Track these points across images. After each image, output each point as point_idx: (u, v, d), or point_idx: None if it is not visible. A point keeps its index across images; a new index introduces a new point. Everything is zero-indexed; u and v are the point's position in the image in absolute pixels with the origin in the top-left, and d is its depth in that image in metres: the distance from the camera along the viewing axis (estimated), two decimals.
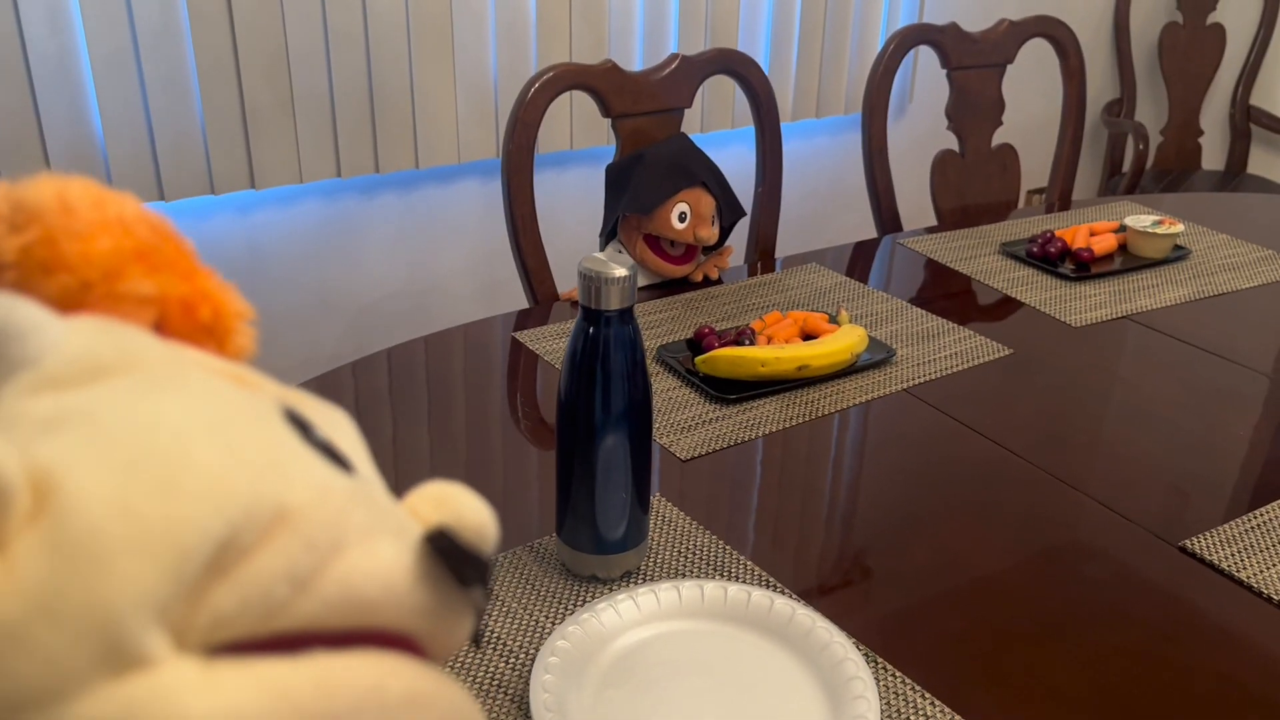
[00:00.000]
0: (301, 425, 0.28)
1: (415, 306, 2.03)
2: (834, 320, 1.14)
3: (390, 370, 1.05)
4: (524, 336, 1.11)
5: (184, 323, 0.30)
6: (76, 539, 0.21)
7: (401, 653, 0.29)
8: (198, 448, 0.24)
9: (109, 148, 1.62)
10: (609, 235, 1.24)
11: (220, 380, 0.28)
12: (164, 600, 0.22)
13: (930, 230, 1.47)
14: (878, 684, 0.66)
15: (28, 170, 1.55)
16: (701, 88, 1.35)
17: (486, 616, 0.32)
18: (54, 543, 0.21)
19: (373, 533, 0.27)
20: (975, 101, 1.60)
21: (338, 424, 0.32)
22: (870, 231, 1.59)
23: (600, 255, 0.68)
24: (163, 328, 0.30)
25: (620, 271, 0.67)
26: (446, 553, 0.28)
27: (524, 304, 1.28)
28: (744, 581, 0.74)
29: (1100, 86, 2.80)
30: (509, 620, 0.71)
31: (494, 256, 2.03)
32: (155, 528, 0.22)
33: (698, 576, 0.75)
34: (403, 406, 0.99)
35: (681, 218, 1.20)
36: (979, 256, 1.36)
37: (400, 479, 0.88)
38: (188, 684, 0.22)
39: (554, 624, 0.70)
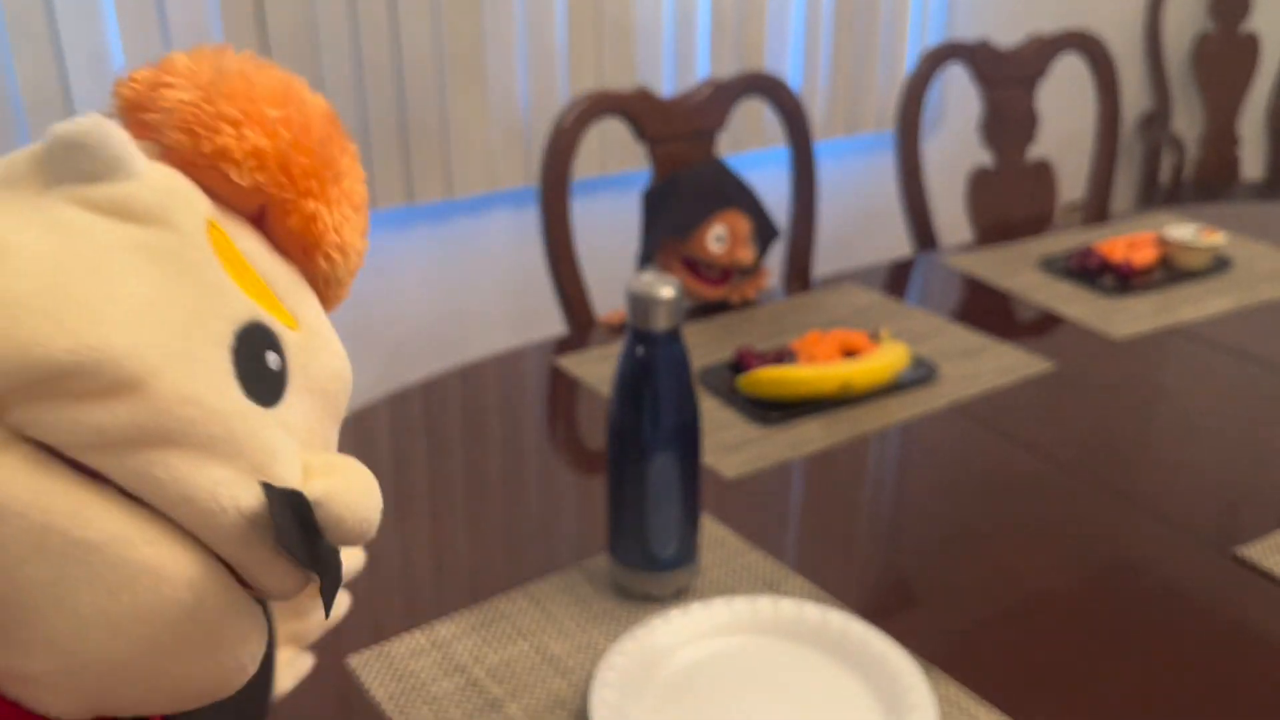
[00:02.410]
0: (261, 344, 0.30)
1: (450, 337, 2.05)
2: (874, 338, 1.14)
3: (426, 402, 1.07)
4: (565, 362, 1.13)
5: (278, 223, 0.33)
6: None
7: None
8: (111, 301, 0.27)
9: None
10: (646, 260, 1.25)
11: (209, 271, 0.30)
12: None
13: (967, 247, 1.47)
14: (934, 694, 0.66)
15: None
16: (733, 109, 1.37)
17: (326, 587, 0.32)
18: None
19: (216, 454, 0.28)
20: (1008, 117, 1.60)
21: (322, 362, 0.33)
22: (906, 249, 1.60)
23: (647, 276, 0.69)
24: (261, 220, 0.33)
25: (668, 292, 0.68)
26: (276, 510, 0.29)
27: (559, 331, 1.29)
28: (796, 598, 0.74)
29: (1134, 98, 2.79)
30: (564, 639, 0.71)
31: (528, 284, 2.05)
32: (19, 333, 0.26)
33: (749, 593, 0.75)
34: (438, 436, 1.00)
35: (718, 240, 1.21)
36: (1018, 272, 1.35)
37: (437, 507, 0.89)
38: None
39: (609, 641, 0.70)
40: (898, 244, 1.72)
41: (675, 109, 1.31)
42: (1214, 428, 1.00)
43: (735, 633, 0.70)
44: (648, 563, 0.74)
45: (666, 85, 2.06)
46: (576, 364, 1.12)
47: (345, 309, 0.38)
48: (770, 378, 1.02)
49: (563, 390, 1.10)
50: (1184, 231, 1.35)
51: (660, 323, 0.69)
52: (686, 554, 0.75)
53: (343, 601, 0.53)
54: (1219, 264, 1.36)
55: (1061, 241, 1.45)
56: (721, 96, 1.35)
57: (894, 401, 1.04)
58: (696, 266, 1.24)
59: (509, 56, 1.89)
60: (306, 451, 0.32)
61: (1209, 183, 2.74)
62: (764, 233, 1.26)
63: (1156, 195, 2.70)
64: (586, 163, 2.00)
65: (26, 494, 0.26)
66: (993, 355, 1.13)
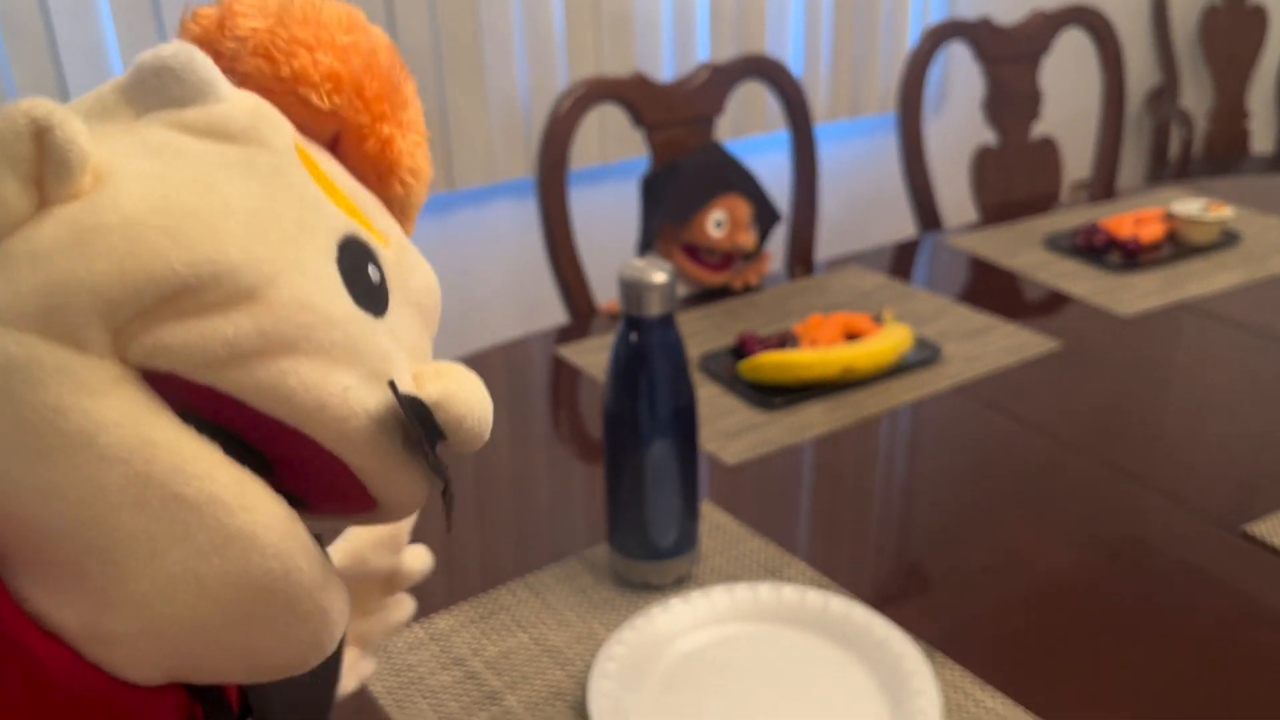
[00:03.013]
0: (362, 257, 0.30)
1: (454, 327, 2.05)
2: (878, 320, 1.13)
3: None
4: (566, 351, 1.12)
5: (354, 149, 0.34)
6: (87, 227, 0.26)
7: (334, 490, 0.30)
8: (223, 215, 0.27)
9: None
10: (646, 247, 1.24)
11: (307, 187, 0.30)
12: (112, 304, 0.26)
13: (972, 227, 1.45)
14: (937, 679, 0.65)
15: None
16: (733, 94, 1.35)
17: (447, 493, 0.32)
18: (75, 221, 0.26)
19: (339, 360, 0.28)
20: (1012, 95, 1.58)
21: (416, 278, 0.33)
22: (910, 231, 1.58)
23: (639, 262, 0.68)
24: (337, 146, 0.34)
25: (660, 277, 0.67)
26: (407, 412, 0.29)
27: (562, 320, 1.29)
28: (798, 584, 0.73)
29: (1142, 74, 2.76)
30: (564, 630, 0.71)
31: (530, 274, 2.04)
32: (140, 251, 0.26)
33: (751, 580, 0.75)
34: None
35: (718, 225, 1.20)
36: (1023, 251, 1.34)
37: (437, 500, 0.88)
38: (91, 379, 0.26)
39: (609, 631, 0.70)
40: (902, 227, 1.71)
41: (673, 94, 1.30)
42: (1224, 404, 0.99)
43: (736, 620, 0.70)
44: (647, 551, 0.73)
45: (667, 73, 2.05)
46: (577, 353, 1.11)
47: None
48: (772, 362, 1.01)
49: (564, 379, 1.09)
50: (1191, 206, 1.33)
51: (653, 308, 0.68)
52: (686, 541, 0.74)
53: (407, 605, 0.53)
54: (1227, 238, 1.34)
55: (1067, 219, 1.44)
56: (720, 80, 1.34)
57: (897, 384, 1.03)
58: (697, 252, 1.23)
59: (507, 47, 1.88)
60: (412, 362, 0.32)
61: (1218, 157, 2.71)
62: (765, 217, 1.25)
63: (1165, 171, 2.68)
64: (586, 152, 1.99)
65: (134, 439, 0.26)
66: (998, 335, 1.12)
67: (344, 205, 0.31)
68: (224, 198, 0.28)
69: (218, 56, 0.33)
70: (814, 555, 0.78)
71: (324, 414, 0.28)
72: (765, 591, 0.70)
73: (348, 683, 0.48)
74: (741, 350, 1.07)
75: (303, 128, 0.33)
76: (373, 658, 0.52)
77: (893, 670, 0.65)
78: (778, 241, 1.42)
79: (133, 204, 0.27)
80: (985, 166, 1.57)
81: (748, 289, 1.26)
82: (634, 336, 0.69)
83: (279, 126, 0.31)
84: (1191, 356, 1.09)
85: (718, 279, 1.25)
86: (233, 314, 0.27)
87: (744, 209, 1.22)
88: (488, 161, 1.92)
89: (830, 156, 2.31)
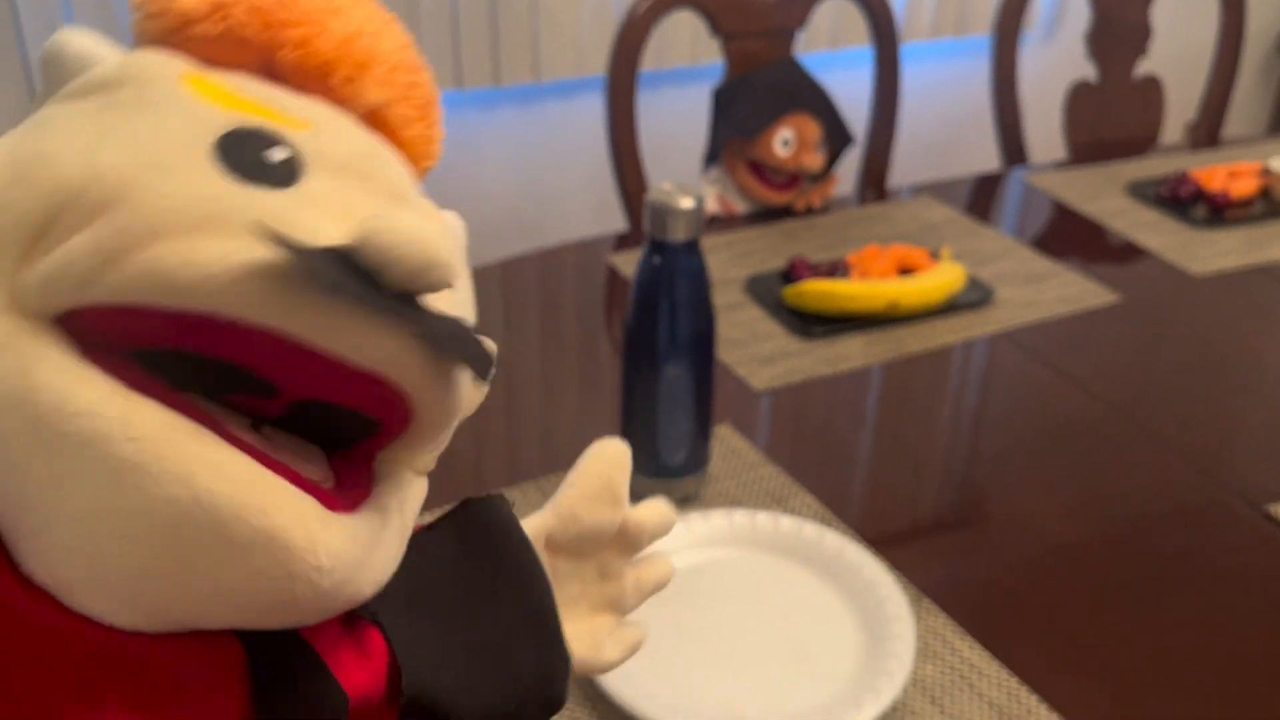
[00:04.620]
0: (254, 143, 0.29)
1: (529, 222, 2.06)
2: (935, 257, 1.10)
3: (503, 282, 1.08)
4: (618, 260, 1.12)
5: (281, 66, 0.32)
6: None
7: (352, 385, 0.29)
8: (62, 148, 0.28)
9: None
10: (711, 159, 1.23)
11: (175, 103, 0.30)
12: None
13: (1058, 165, 1.40)
14: (919, 625, 0.66)
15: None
16: (817, 7, 1.31)
17: (446, 345, 0.29)
18: None
19: (215, 230, 0.27)
20: (1119, 27, 1.50)
21: (341, 146, 0.31)
22: (993, 164, 1.53)
23: (667, 185, 0.68)
24: (276, 75, 0.33)
25: (687, 202, 0.67)
26: (310, 255, 0.26)
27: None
28: (804, 517, 0.75)
29: (1273, 18, 2.58)
30: None
31: (611, 174, 2.03)
32: (13, 192, 0.27)
33: (756, 506, 0.76)
34: (512, 318, 1.02)
35: (785, 144, 1.18)
36: (1104, 196, 1.29)
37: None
38: None
39: None
40: (985, 158, 1.65)
41: (754, 4, 1.27)
42: (1279, 380, 0.95)
43: (730, 545, 0.71)
44: (655, 469, 0.75)
45: None
46: (628, 263, 1.12)
47: (429, 186, 0.37)
48: (816, 291, 1.00)
49: (615, 288, 1.10)
50: None
51: (678, 233, 0.68)
52: (695, 463, 0.76)
53: (661, 566, 0.49)
54: None
55: (1159, 165, 1.37)
56: None
57: (942, 324, 1.02)
58: (762, 170, 1.21)
59: None
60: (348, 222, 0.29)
61: None
62: (835, 139, 1.22)
63: None
64: (661, 54, 1.95)
65: (20, 386, 0.26)
66: (1057, 283, 1.09)
67: (243, 107, 0.31)
68: (65, 135, 0.29)
69: (192, 43, 0.32)
70: (823, 489, 0.79)
71: (210, 285, 0.26)
72: (763, 520, 0.72)
73: (612, 653, 0.46)
74: (790, 275, 1.07)
75: (238, 64, 0.32)
76: (641, 626, 0.48)
77: (876, 611, 0.66)
78: (851, 163, 1.39)
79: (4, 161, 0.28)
80: (1080, 102, 1.51)
81: (810, 211, 1.24)
82: (657, 260, 0.69)
83: (154, 66, 0.31)
84: (1257, 325, 1.04)
85: (780, 199, 1.23)
86: (91, 226, 0.27)
87: (813, 129, 1.19)
88: (576, 55, 1.90)
89: (927, 75, 2.23)
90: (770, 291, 1.05)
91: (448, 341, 0.29)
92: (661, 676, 0.62)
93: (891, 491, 0.81)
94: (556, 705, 0.41)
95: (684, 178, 0.69)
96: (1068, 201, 1.28)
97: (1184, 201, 1.25)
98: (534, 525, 0.45)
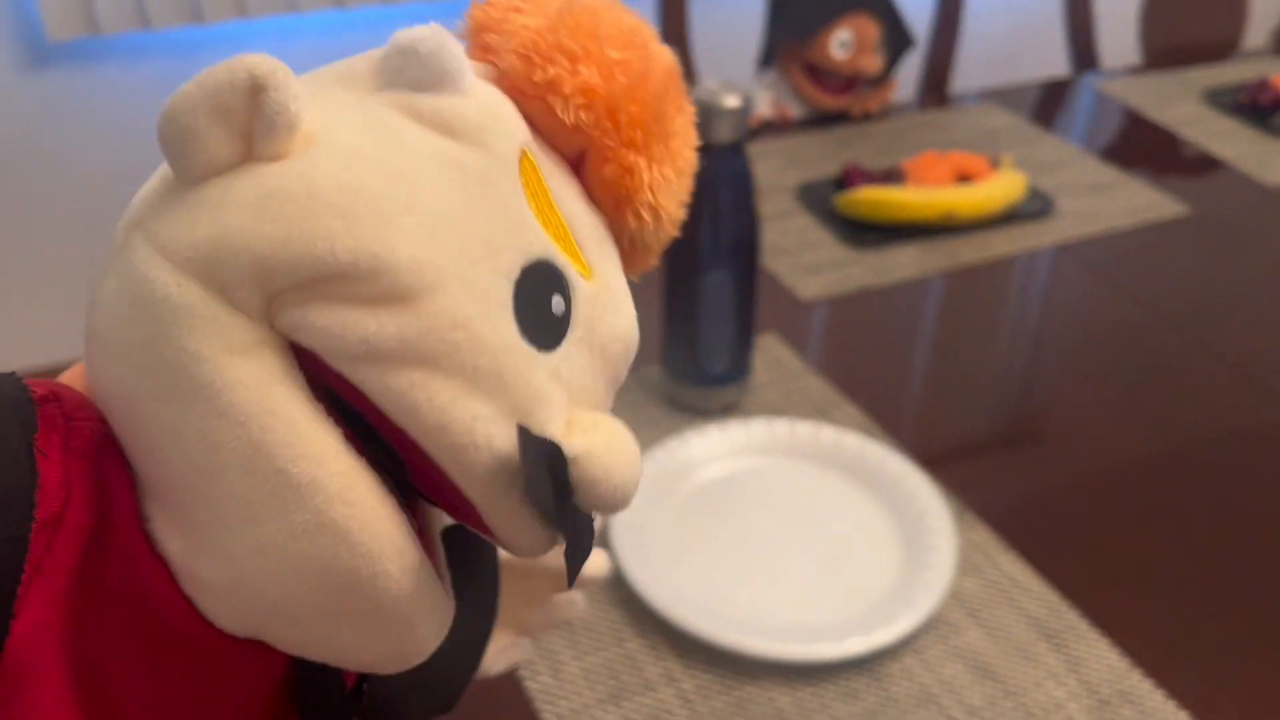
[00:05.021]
0: (549, 284, 0.29)
1: None
2: (994, 165, 1.07)
3: None
4: None
5: (595, 170, 0.32)
6: (271, 190, 0.26)
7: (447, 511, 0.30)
8: (404, 211, 0.27)
9: None
10: (765, 62, 1.19)
11: (512, 200, 0.29)
12: (269, 271, 0.26)
13: (1131, 71, 1.34)
14: (960, 538, 0.65)
15: None
16: None
17: (572, 552, 0.30)
18: (264, 182, 0.26)
19: (478, 387, 0.27)
20: None
21: (608, 320, 0.31)
22: (1062, 69, 1.46)
23: (712, 84, 0.66)
24: (579, 168, 0.32)
25: (732, 101, 0.65)
26: (530, 456, 0.27)
27: None
28: (842, 427, 0.74)
29: None
30: None
31: None
32: (310, 225, 0.26)
33: (798, 416, 0.75)
34: None
35: (842, 45, 1.14)
36: (1178, 103, 1.23)
37: None
38: (235, 335, 0.26)
39: (646, 448, 0.72)
40: (1054, 63, 1.58)
41: None
42: None
43: (769, 454, 0.71)
44: (697, 377, 0.74)
45: None
46: None
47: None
48: (869, 199, 0.97)
49: None
50: None
51: (722, 134, 0.66)
52: (737, 371, 0.75)
53: (576, 606, 0.49)
54: None
55: (1238, 71, 1.31)
56: None
57: (999, 235, 0.98)
58: (818, 73, 1.17)
59: None
60: (574, 407, 0.29)
61: None
62: (895, 41, 1.18)
63: None
64: None
65: (256, 404, 0.26)
66: (1123, 194, 1.05)
67: (554, 228, 0.30)
68: (414, 193, 0.27)
69: (484, 50, 0.31)
70: (869, 401, 0.78)
71: (444, 437, 0.27)
72: (803, 429, 0.71)
73: (495, 665, 0.46)
74: (844, 182, 1.04)
75: (549, 138, 0.31)
76: (528, 646, 0.49)
77: (916, 522, 0.65)
78: (911, 67, 1.34)
79: (321, 177, 0.26)
80: (1158, 4, 1.43)
81: (867, 117, 1.20)
82: (701, 162, 0.67)
83: (510, 130, 0.29)
84: None
85: (836, 103, 1.19)
86: (380, 312, 0.26)
87: (872, 30, 1.15)
88: None
89: None
90: (822, 199, 1.02)
91: (574, 554, 0.29)
92: (695, 582, 0.62)
93: (940, 406, 0.80)
94: (448, 706, 0.40)
95: (737, 82, 0.66)
96: (1139, 109, 1.22)
97: (1263, 109, 1.19)
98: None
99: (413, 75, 0.29)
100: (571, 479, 0.28)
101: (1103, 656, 0.60)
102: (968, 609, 0.62)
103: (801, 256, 0.95)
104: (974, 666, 0.59)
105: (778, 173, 1.07)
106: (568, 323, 0.29)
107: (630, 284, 0.33)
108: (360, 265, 0.26)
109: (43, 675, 0.27)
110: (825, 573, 0.63)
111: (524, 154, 0.30)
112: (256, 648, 0.30)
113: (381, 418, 0.27)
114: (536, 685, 0.58)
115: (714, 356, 0.73)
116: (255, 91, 0.25)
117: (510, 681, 0.58)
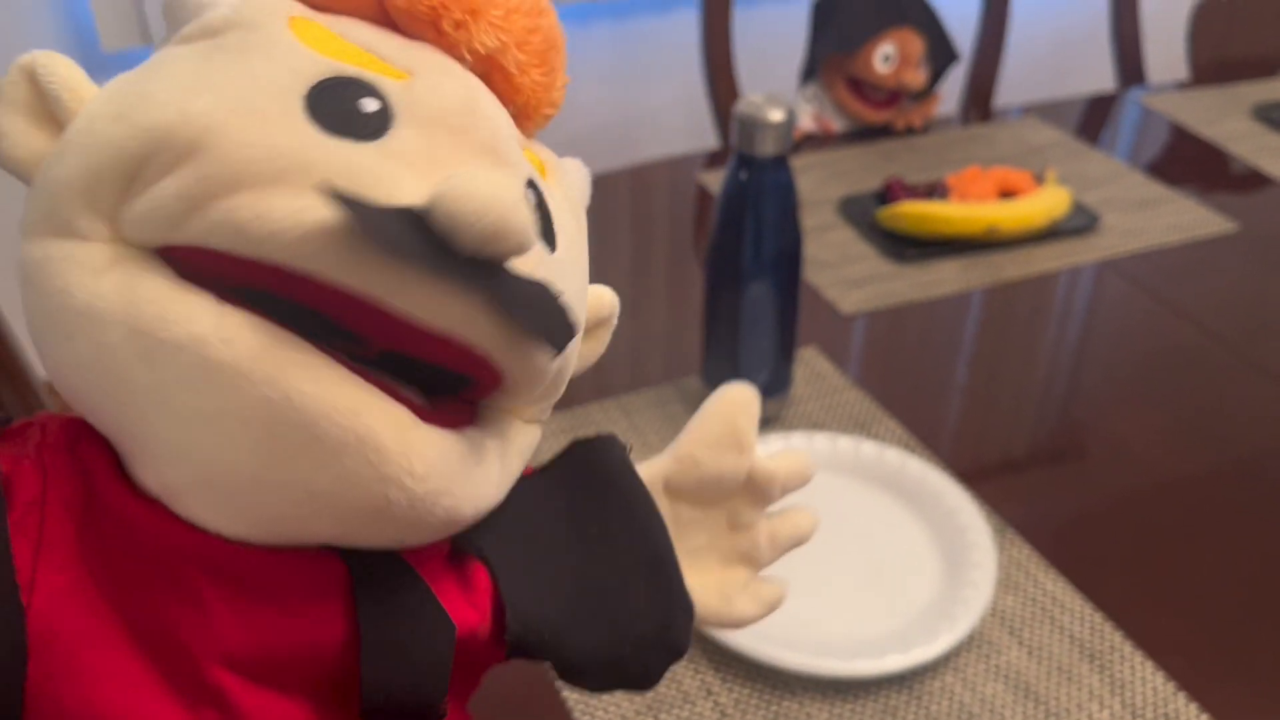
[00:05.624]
0: (349, 92, 0.29)
1: (619, 137, 2.04)
2: (1039, 180, 1.06)
3: (593, 197, 1.07)
4: (707, 178, 1.11)
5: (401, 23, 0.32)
6: (66, 138, 0.29)
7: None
8: (161, 88, 0.29)
9: None
10: (808, 75, 1.19)
11: (276, 47, 0.30)
12: (88, 194, 0.28)
13: (1179, 86, 1.32)
14: (1001, 556, 0.65)
15: None
16: None
17: (529, 321, 0.29)
18: (63, 136, 0.30)
19: (291, 184, 0.27)
20: None
21: (436, 98, 0.30)
22: (1108, 84, 1.45)
23: (757, 97, 0.66)
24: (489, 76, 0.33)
25: (777, 115, 0.65)
26: (375, 218, 0.26)
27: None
28: (883, 442, 0.73)
29: None
30: (646, 451, 0.73)
31: (705, 90, 1.99)
32: (96, 139, 0.28)
33: (838, 430, 0.75)
34: (603, 234, 1.02)
35: (886, 59, 1.14)
36: (1227, 119, 1.21)
37: None
38: (91, 260, 0.28)
39: None
40: (1100, 78, 1.57)
41: None
42: None
43: None
44: None
45: None
46: (716, 180, 1.10)
47: None
48: (911, 213, 0.97)
49: (705, 206, 1.08)
50: None
51: (766, 147, 0.66)
52: (778, 384, 0.75)
53: (801, 518, 0.45)
54: None
55: None
56: None
57: (1043, 250, 0.98)
58: (861, 86, 1.17)
59: None
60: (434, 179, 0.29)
61: None
62: (939, 56, 1.17)
63: None
64: None
65: (125, 300, 0.28)
66: (1169, 210, 1.04)
67: (349, 54, 0.31)
68: (167, 74, 0.29)
69: None
70: (910, 416, 0.78)
71: (279, 240, 0.27)
72: (844, 444, 0.71)
73: (746, 607, 0.44)
74: (886, 196, 1.04)
75: (367, 11, 0.32)
76: (780, 583, 0.45)
77: (956, 539, 0.65)
78: (955, 81, 1.33)
79: (96, 107, 0.29)
80: (1207, 18, 1.41)
81: (910, 131, 1.20)
82: (744, 175, 0.68)
83: (264, 10, 0.31)
84: None
85: (879, 117, 1.19)
86: (179, 170, 0.28)
87: (916, 44, 1.14)
88: None
89: None
90: (864, 213, 1.02)
91: (521, 309, 0.28)
92: None
93: (981, 421, 0.79)
94: (677, 652, 0.39)
95: (780, 95, 0.66)
96: (1186, 125, 1.21)
97: None
98: (652, 469, 0.43)
99: (179, 17, 0.32)
100: (436, 228, 0.27)
101: (1146, 679, 0.59)
102: (1009, 627, 0.62)
103: (843, 270, 0.95)
104: (1014, 686, 0.59)
105: (820, 186, 1.07)
106: (388, 114, 0.29)
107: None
108: (144, 143, 0.28)
109: (81, 635, 0.29)
110: (865, 588, 0.63)
111: (295, 20, 0.31)
112: (294, 563, 0.30)
113: (313, 290, 0.27)
114: (574, 696, 0.58)
115: (754, 369, 0.73)
116: (30, 77, 0.29)
117: (548, 691, 0.58)
